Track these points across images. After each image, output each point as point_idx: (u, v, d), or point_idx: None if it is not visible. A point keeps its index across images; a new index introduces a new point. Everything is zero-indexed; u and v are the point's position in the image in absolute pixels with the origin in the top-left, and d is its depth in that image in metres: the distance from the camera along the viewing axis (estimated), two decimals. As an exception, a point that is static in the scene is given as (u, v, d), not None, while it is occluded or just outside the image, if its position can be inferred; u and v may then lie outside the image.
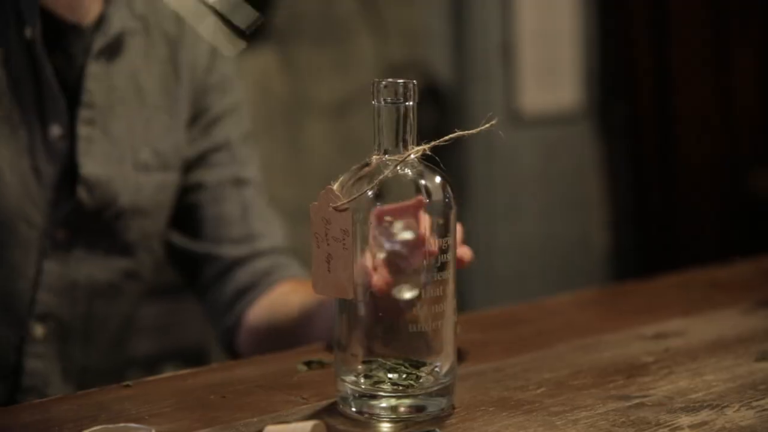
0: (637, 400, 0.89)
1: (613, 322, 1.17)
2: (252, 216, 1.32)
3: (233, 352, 1.32)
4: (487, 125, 0.90)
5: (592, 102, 3.33)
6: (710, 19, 3.28)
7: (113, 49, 1.22)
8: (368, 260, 0.85)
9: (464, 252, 0.96)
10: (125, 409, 0.89)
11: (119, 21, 1.22)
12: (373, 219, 0.85)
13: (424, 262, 0.85)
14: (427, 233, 0.85)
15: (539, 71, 3.18)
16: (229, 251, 1.30)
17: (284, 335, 1.24)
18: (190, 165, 1.30)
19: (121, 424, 0.82)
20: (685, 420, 0.84)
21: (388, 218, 0.86)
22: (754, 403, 0.87)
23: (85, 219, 1.20)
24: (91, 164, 1.19)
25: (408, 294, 0.87)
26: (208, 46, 1.31)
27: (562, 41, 3.23)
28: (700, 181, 3.30)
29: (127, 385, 0.96)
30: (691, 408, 0.86)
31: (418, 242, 0.86)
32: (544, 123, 3.12)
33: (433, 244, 0.86)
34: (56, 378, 1.22)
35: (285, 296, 1.27)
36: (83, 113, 1.19)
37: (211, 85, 1.31)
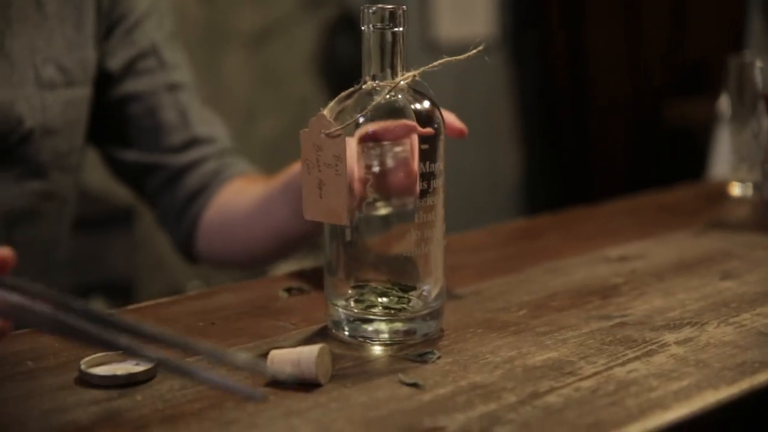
0: (618, 320, 0.91)
1: (573, 246, 1.19)
2: (192, 120, 1.29)
3: (191, 258, 1.32)
4: (474, 50, 0.93)
5: (505, 31, 3.36)
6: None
7: None
8: (355, 169, 0.85)
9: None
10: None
11: None
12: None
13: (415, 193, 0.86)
14: (416, 162, 0.86)
15: (453, 1, 3.19)
16: (174, 159, 1.28)
17: (240, 231, 1.24)
18: (118, 77, 1.26)
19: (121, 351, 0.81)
20: (669, 337, 0.86)
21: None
22: (731, 320, 0.90)
23: None
24: None
25: (383, 210, 0.87)
26: None
27: (477, -29, 3.24)
28: (610, 111, 3.36)
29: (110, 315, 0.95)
30: (673, 326, 0.89)
31: (407, 164, 0.86)
32: (458, 53, 3.13)
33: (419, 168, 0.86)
34: None
35: (237, 192, 1.26)
36: None
37: None
